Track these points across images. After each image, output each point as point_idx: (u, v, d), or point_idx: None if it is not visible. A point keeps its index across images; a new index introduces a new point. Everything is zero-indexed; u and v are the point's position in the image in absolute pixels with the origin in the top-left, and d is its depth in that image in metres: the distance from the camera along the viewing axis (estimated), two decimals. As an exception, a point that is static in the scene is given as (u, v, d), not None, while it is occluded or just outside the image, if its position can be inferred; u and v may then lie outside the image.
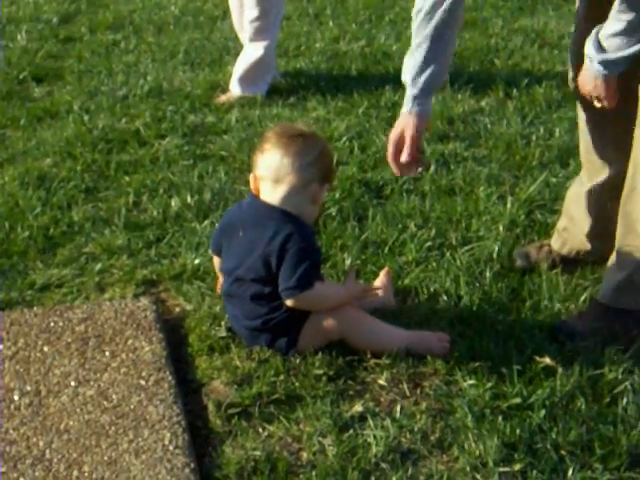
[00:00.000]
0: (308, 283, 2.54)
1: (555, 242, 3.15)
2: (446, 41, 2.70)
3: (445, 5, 2.61)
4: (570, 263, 3.10)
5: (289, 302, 2.57)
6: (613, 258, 2.79)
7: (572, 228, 3.10)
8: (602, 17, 2.54)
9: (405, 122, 2.77)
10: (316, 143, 2.65)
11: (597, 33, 2.53)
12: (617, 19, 2.45)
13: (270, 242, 2.54)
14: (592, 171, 3.00)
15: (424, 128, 2.82)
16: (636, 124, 2.62)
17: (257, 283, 2.60)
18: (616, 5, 2.44)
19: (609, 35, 2.49)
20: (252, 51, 4.82)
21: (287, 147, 2.57)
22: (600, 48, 2.52)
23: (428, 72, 2.70)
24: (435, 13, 2.62)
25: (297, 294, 2.54)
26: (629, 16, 2.43)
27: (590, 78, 2.60)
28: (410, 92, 2.75)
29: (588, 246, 3.08)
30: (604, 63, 2.53)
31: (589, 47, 2.56)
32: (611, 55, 2.51)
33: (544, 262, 3.10)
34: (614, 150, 2.86)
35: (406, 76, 2.76)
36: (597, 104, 2.67)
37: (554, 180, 3.76)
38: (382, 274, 3.01)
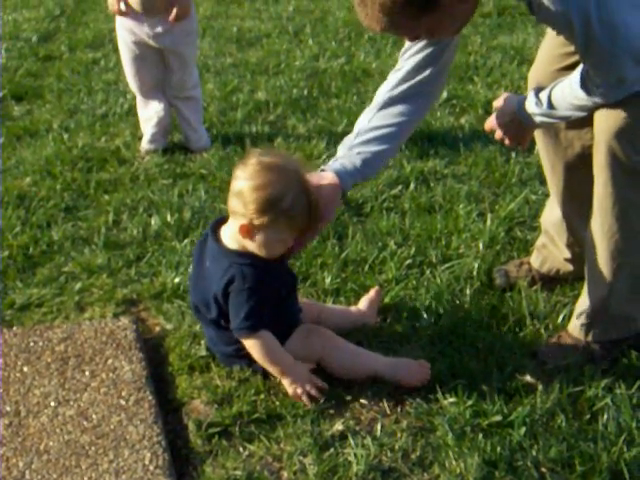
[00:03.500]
0: (253, 325, 2.49)
1: (535, 260, 3.15)
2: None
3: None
4: (550, 281, 3.10)
5: (242, 341, 2.55)
6: (583, 292, 2.76)
7: (551, 247, 3.09)
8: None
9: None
10: (271, 175, 2.41)
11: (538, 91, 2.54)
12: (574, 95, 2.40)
13: (218, 283, 2.50)
14: (561, 197, 2.94)
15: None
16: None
17: (216, 318, 2.60)
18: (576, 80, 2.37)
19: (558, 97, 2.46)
20: (195, 104, 4.48)
21: (238, 180, 2.44)
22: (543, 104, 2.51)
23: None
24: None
25: (244, 334, 2.51)
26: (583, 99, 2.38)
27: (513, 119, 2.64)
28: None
29: (568, 266, 3.07)
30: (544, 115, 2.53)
31: (531, 103, 2.55)
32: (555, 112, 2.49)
33: (523, 280, 3.10)
34: (582, 175, 2.74)
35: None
36: (499, 137, 2.73)
37: (534, 197, 3.78)
38: (372, 290, 2.98)
